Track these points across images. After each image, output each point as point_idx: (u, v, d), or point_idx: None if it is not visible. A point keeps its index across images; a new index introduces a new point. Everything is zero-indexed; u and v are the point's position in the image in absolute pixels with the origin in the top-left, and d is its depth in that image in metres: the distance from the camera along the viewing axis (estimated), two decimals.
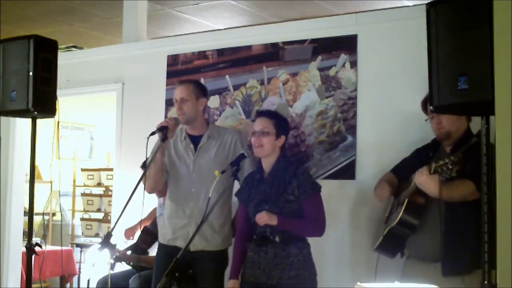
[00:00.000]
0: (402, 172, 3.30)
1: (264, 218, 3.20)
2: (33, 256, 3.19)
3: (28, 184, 3.33)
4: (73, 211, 7.40)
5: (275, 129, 3.29)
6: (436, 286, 2.31)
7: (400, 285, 2.25)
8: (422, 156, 3.22)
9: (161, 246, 3.65)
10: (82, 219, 7.28)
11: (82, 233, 7.27)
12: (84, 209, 7.37)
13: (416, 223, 3.02)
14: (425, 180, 2.79)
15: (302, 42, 4.00)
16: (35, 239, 3.71)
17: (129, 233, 4.41)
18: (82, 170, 7.49)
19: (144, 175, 3.24)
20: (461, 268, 2.92)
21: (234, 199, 3.68)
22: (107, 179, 7.17)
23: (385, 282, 2.73)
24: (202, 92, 3.62)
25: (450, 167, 2.64)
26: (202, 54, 4.42)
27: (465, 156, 2.69)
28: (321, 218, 3.27)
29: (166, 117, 4.34)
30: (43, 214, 5.73)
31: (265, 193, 3.27)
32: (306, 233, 3.28)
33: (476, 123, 3.08)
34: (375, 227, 3.45)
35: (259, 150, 3.30)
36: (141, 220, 3.97)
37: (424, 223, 3.02)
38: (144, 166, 4.19)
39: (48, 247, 5.68)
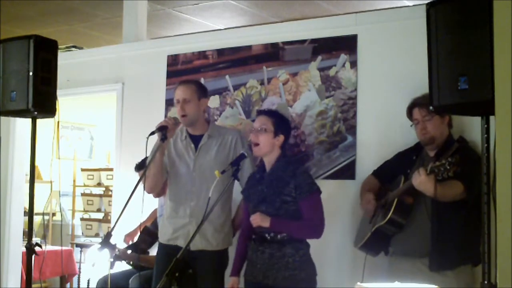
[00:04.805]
0: (384, 175, 3.43)
1: (256, 219, 3.22)
2: (33, 256, 3.19)
3: (28, 184, 3.34)
4: (73, 211, 7.40)
5: (273, 127, 3.29)
6: (436, 286, 2.32)
7: (400, 285, 2.25)
8: (405, 159, 3.33)
9: (161, 246, 3.65)
10: (82, 219, 7.28)
11: (82, 233, 7.27)
12: (84, 209, 7.37)
13: (404, 222, 3.13)
14: (423, 180, 2.83)
15: (302, 42, 3.99)
16: (35, 239, 3.72)
17: (128, 238, 4.41)
18: (82, 170, 7.49)
19: (144, 174, 3.25)
20: (448, 263, 3.02)
21: (235, 198, 3.69)
22: (107, 179, 7.17)
23: (372, 280, 2.76)
24: (204, 92, 3.63)
25: (448, 167, 2.72)
26: (202, 54, 4.41)
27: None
28: (318, 219, 3.22)
29: (166, 117, 4.34)
30: (43, 214, 5.71)
31: (263, 193, 3.26)
32: (302, 235, 3.24)
33: (456, 129, 3.21)
34: (358, 228, 3.50)
35: (256, 148, 3.31)
36: (141, 224, 3.98)
37: (411, 221, 3.12)
38: (138, 168, 4.21)
39: (48, 247, 5.67)
